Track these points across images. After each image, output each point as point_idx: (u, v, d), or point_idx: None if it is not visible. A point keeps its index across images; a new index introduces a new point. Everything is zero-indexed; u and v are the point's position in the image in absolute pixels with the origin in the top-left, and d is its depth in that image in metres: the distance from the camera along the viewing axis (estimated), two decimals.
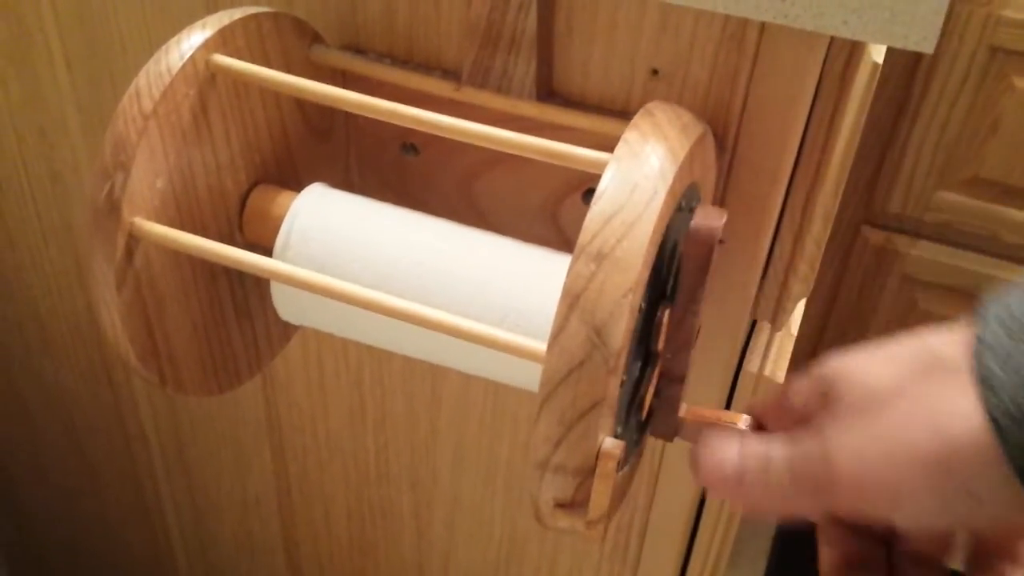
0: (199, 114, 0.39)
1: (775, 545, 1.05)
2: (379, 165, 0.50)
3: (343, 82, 0.48)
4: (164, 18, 0.53)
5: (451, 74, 0.46)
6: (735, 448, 0.32)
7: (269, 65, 0.42)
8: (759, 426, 0.36)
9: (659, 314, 0.37)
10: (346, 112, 0.43)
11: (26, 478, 0.93)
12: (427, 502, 0.68)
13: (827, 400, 0.31)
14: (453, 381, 0.60)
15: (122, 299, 0.38)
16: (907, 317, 1.08)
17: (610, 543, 0.63)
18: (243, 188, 0.43)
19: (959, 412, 0.27)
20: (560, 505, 0.35)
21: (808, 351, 1.13)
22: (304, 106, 0.45)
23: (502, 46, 0.43)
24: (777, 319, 0.51)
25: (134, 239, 0.38)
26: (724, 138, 0.44)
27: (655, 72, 0.43)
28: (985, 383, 0.26)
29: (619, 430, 0.36)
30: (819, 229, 0.47)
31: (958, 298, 1.05)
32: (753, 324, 0.52)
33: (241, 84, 0.41)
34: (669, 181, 0.33)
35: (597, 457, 0.33)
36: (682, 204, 0.36)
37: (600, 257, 0.32)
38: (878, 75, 0.43)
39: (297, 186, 0.44)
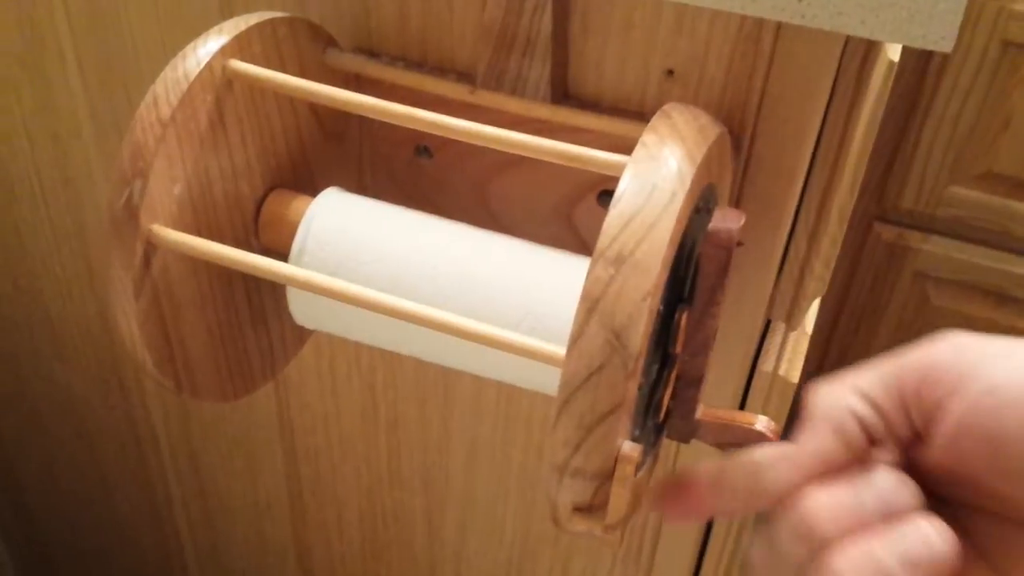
0: (216, 120, 0.39)
1: None
2: (393, 168, 0.50)
3: (357, 85, 0.48)
4: (177, 24, 0.53)
5: (465, 77, 0.46)
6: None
7: (284, 70, 0.42)
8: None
9: (677, 316, 0.37)
10: (360, 115, 0.43)
11: (36, 481, 0.93)
12: (439, 504, 0.68)
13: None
14: (466, 383, 0.60)
15: (140, 306, 0.38)
16: (919, 313, 1.08)
17: (624, 545, 0.63)
18: (259, 193, 0.43)
19: None
20: (578, 509, 0.35)
21: (819, 347, 1.13)
22: (319, 110, 0.45)
23: (517, 48, 0.43)
24: (792, 318, 0.51)
25: (152, 246, 0.38)
26: (740, 138, 0.44)
27: (670, 73, 0.43)
28: None
29: (636, 433, 0.36)
30: (835, 228, 0.47)
31: (970, 294, 1.04)
32: (768, 323, 0.52)
33: (257, 89, 0.41)
34: (687, 183, 0.33)
35: (615, 461, 0.33)
36: (700, 206, 0.36)
37: (619, 261, 0.32)
38: (894, 73, 0.43)
39: (312, 190, 0.44)
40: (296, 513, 0.77)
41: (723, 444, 0.39)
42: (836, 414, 0.30)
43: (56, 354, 0.79)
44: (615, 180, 0.33)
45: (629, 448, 0.33)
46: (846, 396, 0.30)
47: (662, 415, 0.39)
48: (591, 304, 0.32)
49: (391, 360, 0.61)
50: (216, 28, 0.39)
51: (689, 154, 0.34)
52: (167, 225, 0.38)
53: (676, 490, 0.34)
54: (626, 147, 0.35)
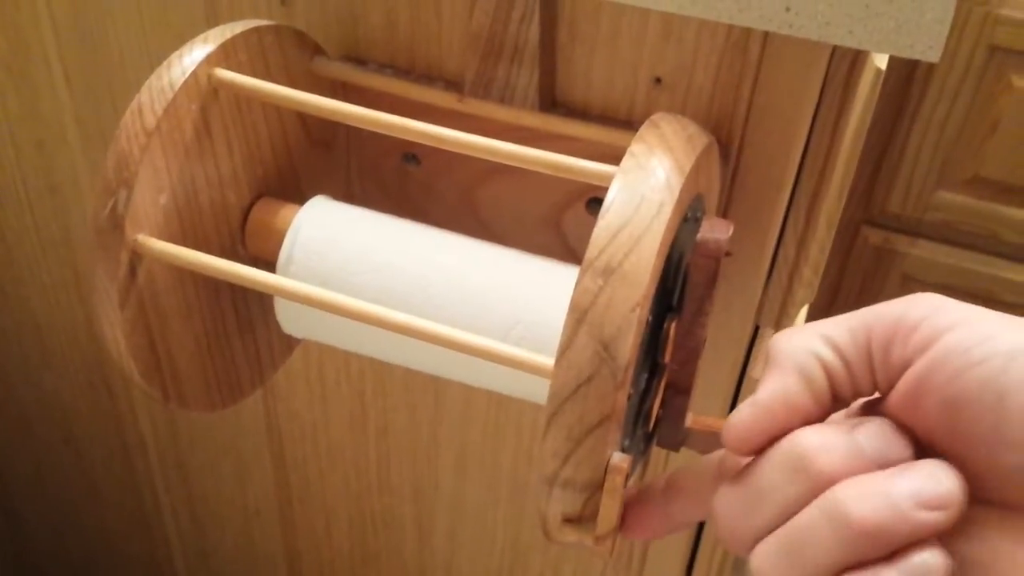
0: (202, 129, 0.39)
1: None
2: (380, 175, 0.50)
3: (344, 93, 0.47)
4: (163, 31, 0.53)
5: (453, 85, 0.46)
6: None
7: (271, 78, 0.42)
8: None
9: (666, 326, 0.37)
10: (347, 123, 0.43)
11: (24, 488, 0.92)
12: (429, 511, 0.68)
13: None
14: (456, 390, 0.59)
15: (125, 316, 0.38)
16: None
17: (614, 551, 0.62)
18: (245, 202, 0.43)
19: None
20: (568, 520, 0.35)
21: None
22: (305, 118, 0.45)
23: (504, 56, 0.43)
24: (781, 324, 0.51)
25: (137, 256, 0.37)
26: (728, 146, 0.44)
27: (658, 81, 0.43)
28: None
29: (626, 443, 0.36)
30: (823, 235, 0.47)
31: (958, 297, 1.05)
32: (757, 330, 0.52)
33: (243, 98, 0.41)
34: (676, 193, 0.33)
35: (605, 472, 0.33)
36: (688, 216, 0.36)
37: (607, 272, 0.32)
38: (881, 81, 0.43)
39: (299, 198, 0.44)
40: (285, 520, 0.76)
41: (712, 452, 0.38)
42: (801, 358, 0.29)
43: (43, 361, 0.78)
44: (604, 187, 0.33)
45: (619, 459, 0.33)
46: (812, 341, 0.29)
47: (652, 424, 0.39)
48: (580, 315, 0.32)
49: (380, 367, 0.61)
50: (202, 36, 0.39)
51: (677, 164, 0.34)
52: (152, 235, 0.38)
53: (632, 507, 0.33)
54: (614, 155, 0.35)
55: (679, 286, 0.38)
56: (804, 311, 0.54)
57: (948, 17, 0.34)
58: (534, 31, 0.42)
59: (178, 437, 0.76)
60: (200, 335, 0.42)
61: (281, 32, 0.42)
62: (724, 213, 0.46)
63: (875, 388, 0.29)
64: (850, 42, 0.36)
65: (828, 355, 0.29)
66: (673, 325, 0.37)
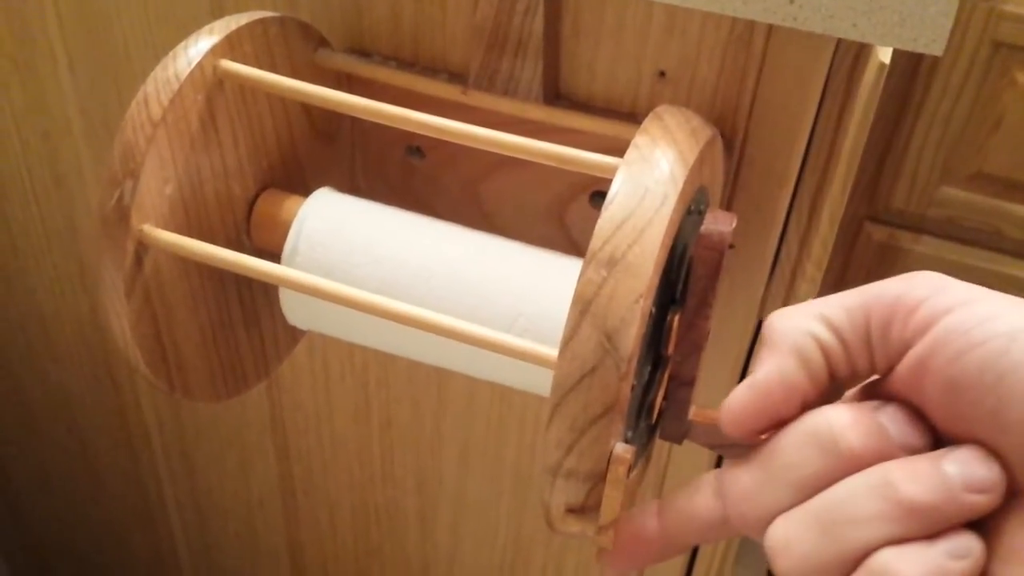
0: (207, 120, 0.39)
1: None
2: (385, 168, 0.50)
3: (349, 85, 0.48)
4: (168, 22, 0.53)
5: (457, 77, 0.46)
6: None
7: (275, 70, 0.42)
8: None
9: (669, 318, 0.37)
10: (352, 115, 0.43)
11: (29, 480, 0.93)
12: (432, 504, 0.68)
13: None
14: (459, 383, 0.60)
15: (131, 307, 0.38)
16: None
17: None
18: (250, 193, 0.43)
19: None
20: (571, 511, 0.35)
21: None
22: (310, 110, 0.45)
23: (508, 49, 0.43)
24: None
25: (143, 246, 0.38)
26: (731, 140, 0.44)
27: (662, 74, 0.43)
28: None
29: (629, 434, 0.36)
30: (826, 230, 0.47)
31: None
32: (760, 324, 0.52)
33: (248, 89, 0.41)
34: (679, 186, 0.33)
35: (608, 463, 0.33)
36: (691, 208, 0.36)
37: (611, 263, 0.32)
38: (885, 74, 0.43)
39: (303, 190, 0.44)
40: (289, 512, 0.77)
41: (715, 445, 0.39)
42: (797, 337, 0.28)
43: (48, 353, 0.79)
44: (607, 181, 0.33)
45: (622, 450, 0.33)
46: (808, 322, 0.28)
47: (655, 416, 0.39)
48: (583, 306, 0.32)
49: (384, 360, 0.61)
50: (207, 28, 0.39)
51: (681, 156, 0.34)
52: (158, 225, 0.38)
53: (624, 527, 0.33)
54: (618, 148, 0.35)
55: (683, 278, 0.38)
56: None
57: (952, 10, 0.34)
58: (538, 23, 0.42)
59: (183, 429, 0.77)
60: (205, 326, 0.42)
61: (286, 24, 0.42)
62: (727, 206, 0.46)
63: (872, 369, 0.28)
64: (853, 35, 0.36)
65: (825, 336, 0.28)
66: (676, 317, 0.37)
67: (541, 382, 0.37)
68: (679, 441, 0.40)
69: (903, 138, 0.99)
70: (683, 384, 0.39)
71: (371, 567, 0.76)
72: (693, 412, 0.39)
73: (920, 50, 0.35)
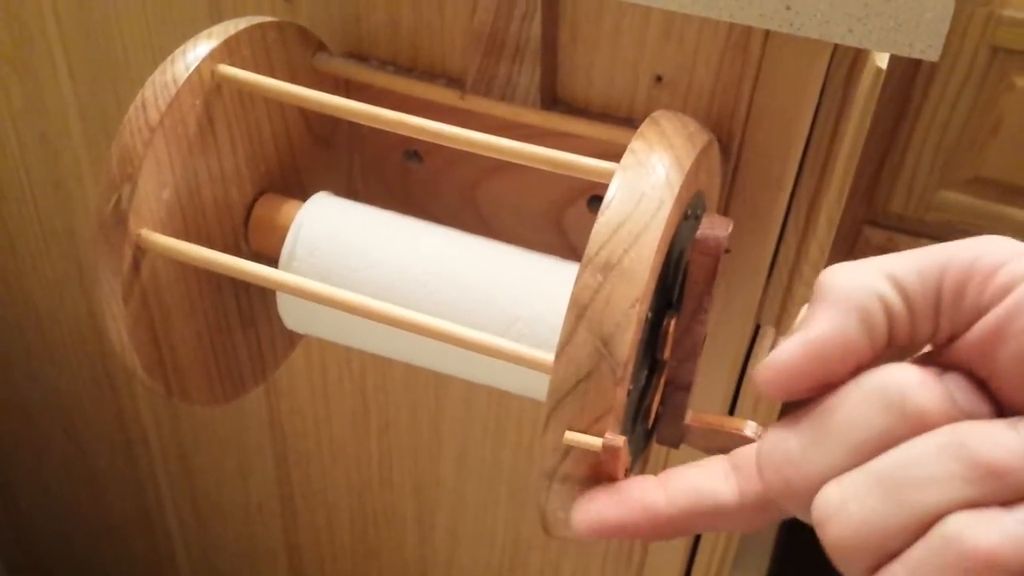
0: (205, 125, 0.39)
1: (778, 547, 1.05)
2: (382, 172, 0.50)
3: (347, 90, 0.48)
4: (166, 26, 0.53)
5: (455, 82, 0.46)
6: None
7: (274, 74, 0.42)
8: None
9: (665, 323, 0.37)
10: (350, 120, 0.43)
11: (26, 483, 0.93)
12: (430, 508, 0.68)
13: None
14: (457, 387, 0.60)
15: (129, 311, 0.38)
16: None
17: (614, 548, 0.63)
18: (248, 198, 0.43)
19: None
20: (567, 515, 0.35)
21: None
22: (308, 114, 0.45)
23: (506, 54, 0.43)
24: (781, 323, 0.51)
25: (141, 251, 0.38)
26: (728, 145, 0.44)
27: (659, 79, 0.43)
28: None
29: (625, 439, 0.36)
30: (824, 234, 0.47)
31: None
32: (757, 328, 0.52)
33: (246, 94, 0.41)
34: (676, 190, 0.33)
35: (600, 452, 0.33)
36: (688, 213, 0.36)
37: (607, 268, 0.32)
38: (881, 80, 0.43)
39: (301, 194, 0.44)
40: (287, 516, 0.77)
41: (712, 449, 0.39)
42: (862, 296, 0.26)
43: (46, 355, 0.79)
44: (604, 185, 0.33)
45: (611, 440, 0.33)
46: (877, 281, 0.26)
47: (651, 420, 0.39)
48: (579, 311, 0.32)
49: (382, 364, 0.61)
50: (205, 32, 0.39)
51: (678, 161, 0.34)
52: (156, 230, 0.38)
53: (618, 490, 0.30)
54: (615, 153, 0.35)
55: (679, 283, 0.38)
56: (805, 309, 0.54)
57: (948, 16, 0.34)
58: (536, 29, 0.42)
59: (180, 432, 0.77)
60: (203, 330, 0.43)
61: (284, 28, 0.42)
62: (724, 211, 0.46)
63: (932, 336, 0.26)
64: (850, 41, 0.36)
65: (894, 298, 0.26)
66: (673, 322, 0.37)
67: (538, 386, 0.37)
68: (676, 445, 0.40)
69: (902, 142, 0.99)
70: (679, 388, 0.39)
71: (369, 570, 0.76)
72: (690, 416, 0.39)
73: (916, 56, 0.35)
